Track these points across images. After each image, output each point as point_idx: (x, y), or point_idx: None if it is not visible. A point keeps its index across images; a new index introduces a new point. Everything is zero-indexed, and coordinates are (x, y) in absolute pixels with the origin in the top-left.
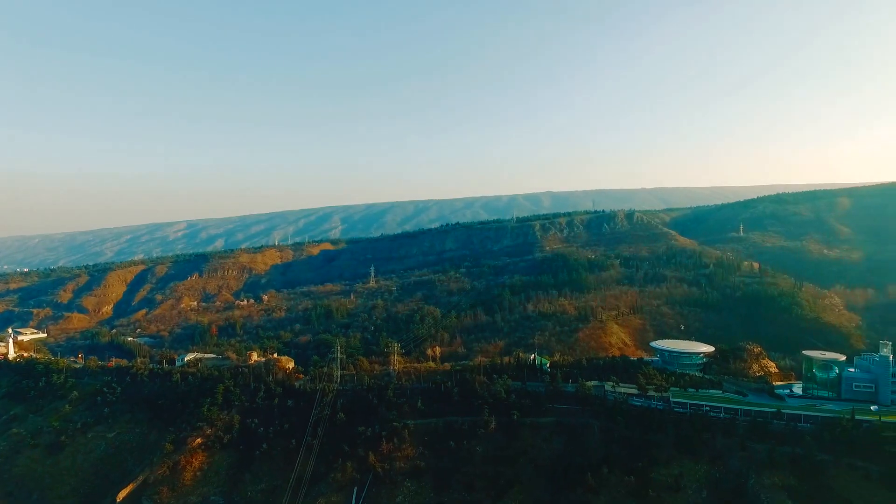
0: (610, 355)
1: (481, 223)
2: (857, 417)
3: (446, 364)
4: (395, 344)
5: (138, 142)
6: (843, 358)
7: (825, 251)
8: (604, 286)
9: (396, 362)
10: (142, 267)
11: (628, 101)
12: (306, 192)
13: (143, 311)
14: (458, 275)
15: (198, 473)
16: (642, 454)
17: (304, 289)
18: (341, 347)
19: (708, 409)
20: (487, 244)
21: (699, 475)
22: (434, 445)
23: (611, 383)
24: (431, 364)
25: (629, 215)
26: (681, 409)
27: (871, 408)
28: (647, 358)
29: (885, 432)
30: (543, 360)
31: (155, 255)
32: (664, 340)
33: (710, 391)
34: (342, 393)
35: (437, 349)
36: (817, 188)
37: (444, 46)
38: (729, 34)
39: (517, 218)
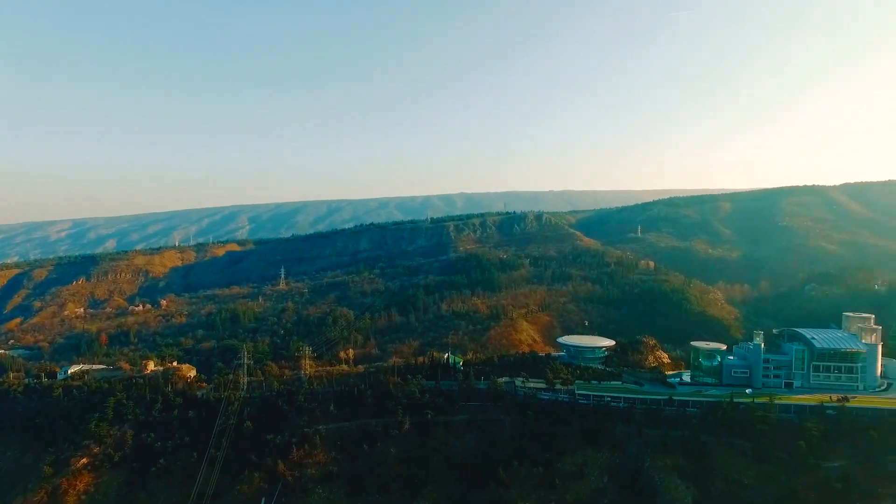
0: (520, 352)
1: (396, 224)
2: (735, 400)
3: (360, 366)
4: (307, 347)
5: (10, 131)
6: (725, 347)
7: (710, 251)
8: (515, 285)
9: (308, 366)
10: (16, 271)
11: (538, 105)
12: (210, 191)
13: (18, 320)
14: (372, 276)
15: (82, 497)
16: (550, 446)
17: (208, 292)
18: (249, 353)
19: (609, 399)
20: (402, 245)
21: (601, 462)
22: (347, 449)
23: (521, 379)
24: (344, 367)
25: (538, 217)
26: (585, 401)
27: (747, 391)
28: (554, 353)
29: (757, 412)
30: (457, 359)
31: (33, 258)
32: (570, 336)
33: (612, 382)
34: (249, 401)
35: (351, 352)
36: (704, 193)
37: (355, 43)
38: (630, 43)
39: (432, 219)
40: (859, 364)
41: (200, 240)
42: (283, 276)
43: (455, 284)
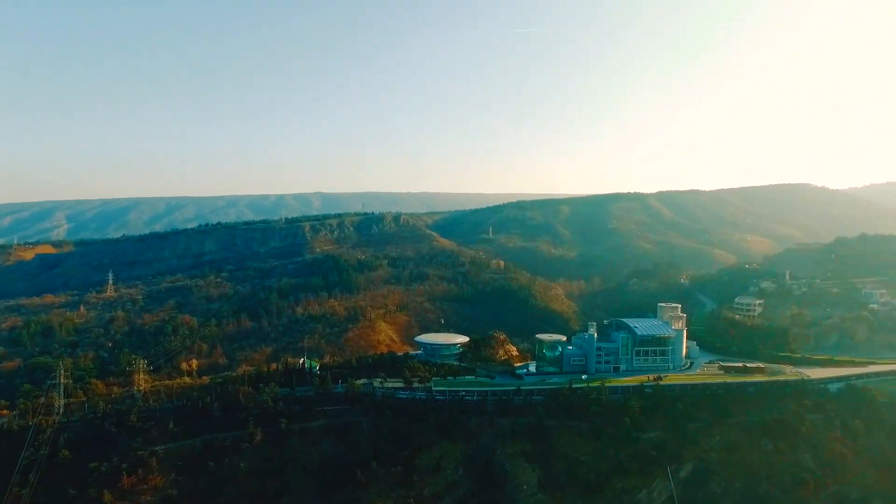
0: (378, 353)
1: (246, 223)
2: (573, 386)
3: (205, 377)
4: (141, 360)
5: None
6: (565, 338)
7: (552, 250)
8: (373, 286)
9: (142, 381)
10: None
11: (396, 107)
12: (17, 184)
13: None
14: (219, 279)
15: None
16: (408, 443)
17: (12, 302)
18: (66, 370)
19: (464, 393)
20: (253, 246)
21: (456, 455)
22: (190, 469)
23: (379, 380)
24: (187, 379)
25: (396, 218)
26: (441, 397)
27: (583, 377)
28: (412, 352)
29: (591, 395)
30: (313, 364)
31: None
32: (427, 335)
33: (466, 377)
34: (68, 426)
35: (195, 362)
36: (548, 198)
37: (204, 30)
38: (482, 54)
39: (286, 218)
40: (670, 347)
41: (2, 241)
42: (111, 281)
43: (311, 286)
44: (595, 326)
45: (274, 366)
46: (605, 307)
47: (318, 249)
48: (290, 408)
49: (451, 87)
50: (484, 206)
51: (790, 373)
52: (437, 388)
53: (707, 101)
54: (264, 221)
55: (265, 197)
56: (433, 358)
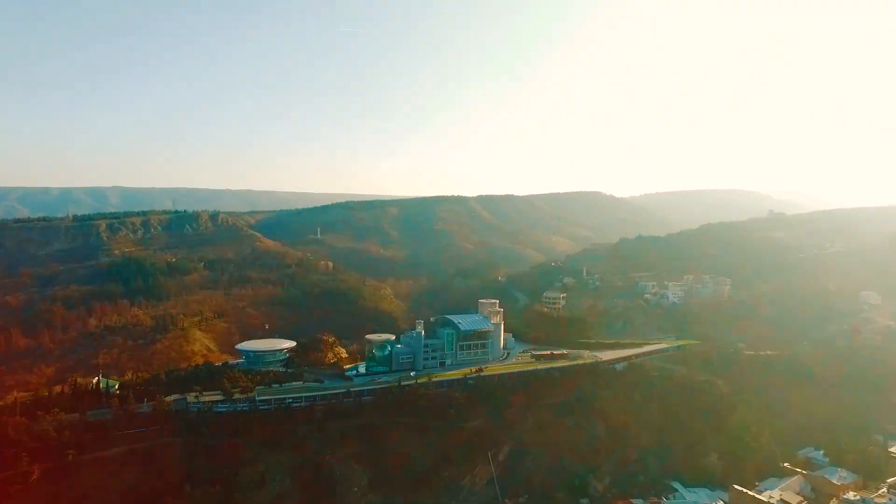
0: (193, 364)
1: (20, 221)
2: (402, 384)
3: None
4: None
5: None
6: (394, 337)
7: (381, 251)
8: (186, 291)
9: None
10: None
11: (212, 95)
12: None
13: None
14: None
15: None
16: (228, 459)
17: None
18: None
19: (291, 400)
20: (30, 248)
21: (283, 465)
22: None
23: (194, 394)
24: None
25: (213, 216)
26: (266, 406)
27: (411, 374)
28: (233, 361)
29: (419, 391)
30: (111, 382)
31: None
32: (250, 341)
33: (293, 383)
34: None
35: None
36: (376, 198)
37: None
38: (307, 50)
39: (75, 216)
40: (489, 340)
41: None
42: None
43: (108, 294)
44: (422, 324)
45: (59, 388)
46: (433, 305)
47: (117, 252)
48: (79, 436)
49: (274, 80)
50: (311, 206)
51: (587, 357)
52: (260, 398)
53: (522, 112)
54: (45, 219)
55: (45, 190)
56: (256, 366)
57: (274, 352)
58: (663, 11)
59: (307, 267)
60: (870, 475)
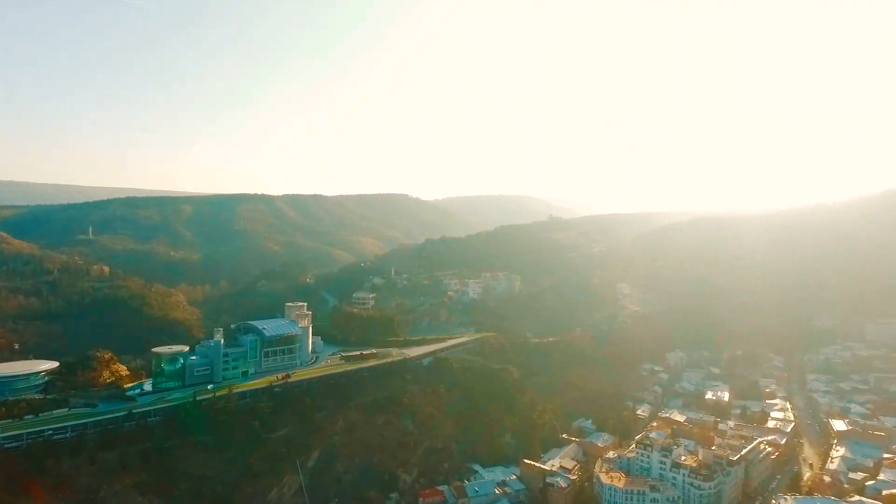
0: None
1: None
2: (198, 399)
3: None
4: None
5: None
6: (188, 349)
7: (172, 253)
8: None
9: None
10: None
11: None
12: None
13: None
14: None
15: None
16: None
17: None
18: None
19: (51, 432)
20: None
21: None
22: None
23: None
24: None
25: None
26: (15, 444)
27: (209, 387)
28: None
29: (218, 405)
30: None
31: None
32: None
33: (55, 412)
34: None
35: None
36: (166, 195)
37: None
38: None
39: None
40: (297, 345)
41: None
42: None
43: None
44: (221, 332)
45: None
46: (234, 311)
47: None
48: None
49: (32, 49)
50: (81, 202)
51: (396, 354)
52: (5, 435)
53: (330, 112)
54: None
55: None
56: (2, 395)
57: (27, 375)
58: (465, 18)
59: (75, 272)
60: (623, 435)
